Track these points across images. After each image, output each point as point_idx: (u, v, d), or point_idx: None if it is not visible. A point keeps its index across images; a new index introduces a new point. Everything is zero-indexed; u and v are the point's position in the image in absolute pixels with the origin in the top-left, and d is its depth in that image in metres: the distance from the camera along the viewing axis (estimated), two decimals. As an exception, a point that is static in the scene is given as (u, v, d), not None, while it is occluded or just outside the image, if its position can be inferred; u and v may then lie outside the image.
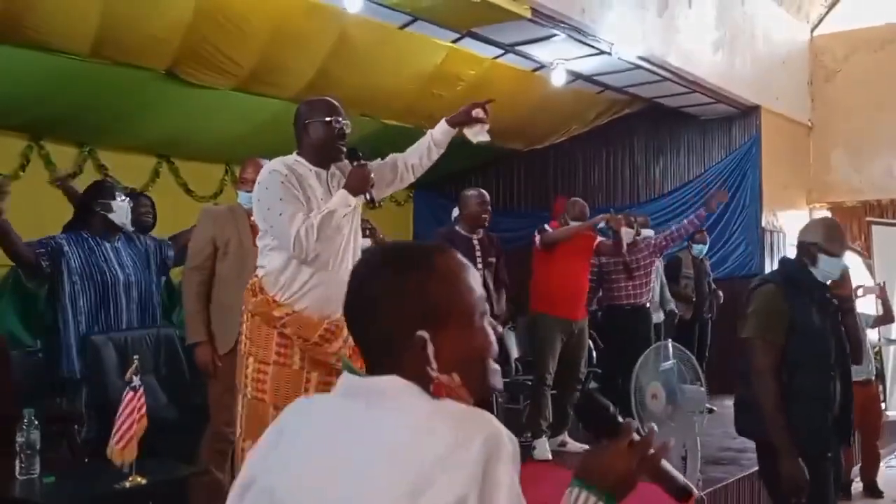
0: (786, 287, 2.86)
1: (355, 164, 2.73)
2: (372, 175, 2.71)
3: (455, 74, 6.44)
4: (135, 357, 2.67)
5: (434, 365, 1.02)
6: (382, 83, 6.20)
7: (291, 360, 2.70)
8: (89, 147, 6.06)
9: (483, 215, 4.72)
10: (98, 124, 5.77)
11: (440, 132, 2.92)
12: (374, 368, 1.06)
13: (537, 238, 5.10)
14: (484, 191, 4.88)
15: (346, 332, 2.65)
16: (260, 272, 2.81)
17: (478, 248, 4.72)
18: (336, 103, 2.86)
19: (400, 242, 1.17)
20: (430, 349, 1.02)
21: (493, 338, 1.10)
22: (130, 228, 4.07)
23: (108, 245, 3.94)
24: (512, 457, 0.97)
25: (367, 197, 2.72)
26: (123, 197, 4.01)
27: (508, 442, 0.98)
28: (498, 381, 1.11)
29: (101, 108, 5.51)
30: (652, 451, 1.11)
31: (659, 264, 6.57)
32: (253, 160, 3.64)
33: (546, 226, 5.24)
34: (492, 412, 4.16)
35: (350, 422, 1.00)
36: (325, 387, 2.67)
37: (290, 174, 2.72)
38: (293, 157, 2.83)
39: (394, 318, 1.04)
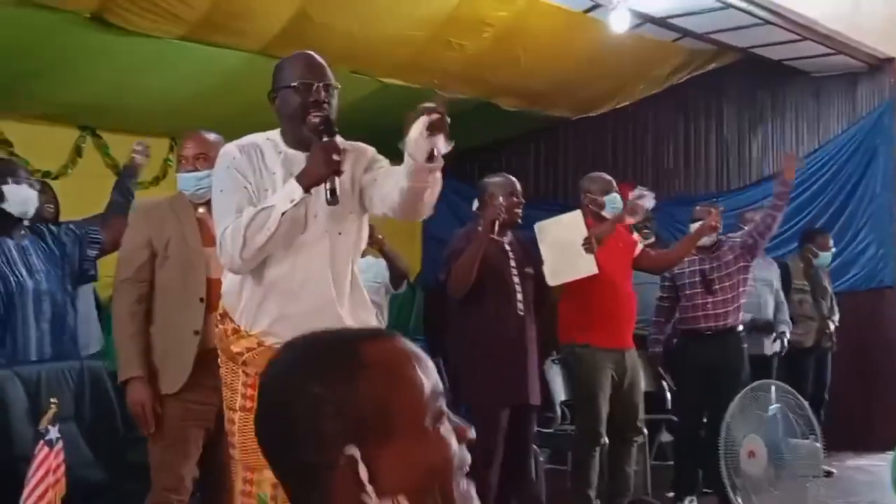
0: None
1: (323, 140, 2.73)
2: (336, 157, 2.69)
3: (478, 17, 6.45)
4: (52, 401, 2.70)
5: (370, 489, 1.02)
6: (381, 30, 6.22)
7: None
8: (-11, 116, 6.13)
9: (514, 209, 4.73)
10: (1, 87, 5.83)
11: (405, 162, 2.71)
12: (298, 500, 1.08)
13: None
14: (511, 177, 4.88)
15: None
16: (223, 288, 2.90)
17: (510, 253, 4.73)
18: (316, 60, 2.88)
19: (318, 333, 1.16)
20: (363, 472, 1.02)
21: (455, 448, 1.09)
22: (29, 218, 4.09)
23: (10, 242, 3.97)
24: None
25: (327, 187, 2.70)
26: (24, 179, 4.01)
27: None
28: None
29: (5, 64, 5.56)
30: None
31: (774, 277, 6.57)
32: (194, 134, 3.70)
33: None
34: (528, 475, 4.13)
35: None
36: None
37: (244, 157, 2.78)
38: (266, 135, 2.87)
39: (314, 442, 1.05)
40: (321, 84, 2.81)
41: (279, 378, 1.10)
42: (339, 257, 2.85)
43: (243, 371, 2.77)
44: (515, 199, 4.74)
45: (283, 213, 2.67)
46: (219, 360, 2.93)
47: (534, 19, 6.64)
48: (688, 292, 5.76)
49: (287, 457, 1.07)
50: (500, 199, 4.66)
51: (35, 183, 4.10)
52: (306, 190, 2.69)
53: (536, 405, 4.80)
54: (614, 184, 5.30)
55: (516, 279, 4.69)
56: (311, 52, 2.92)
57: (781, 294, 6.69)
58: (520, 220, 4.83)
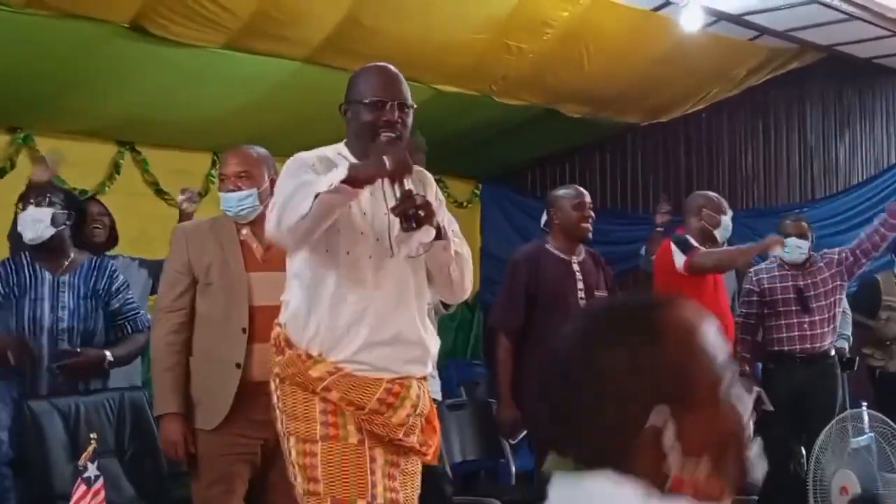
0: None
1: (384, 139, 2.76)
2: (407, 157, 2.69)
3: (539, 18, 6.44)
4: (91, 436, 2.71)
5: (672, 459, 1.09)
6: (435, 34, 6.22)
7: (345, 431, 2.77)
8: (25, 133, 6.23)
9: (583, 224, 4.69)
10: (37, 101, 5.92)
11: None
12: (584, 461, 1.13)
13: (678, 258, 4.98)
14: (582, 189, 4.84)
15: (414, 394, 2.80)
16: (283, 315, 2.87)
17: (579, 274, 4.67)
18: (391, 75, 2.90)
19: (605, 303, 1.27)
20: (669, 437, 1.09)
21: (747, 413, 1.16)
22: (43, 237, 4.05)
23: (48, 276, 4.01)
24: None
25: (396, 193, 2.70)
26: (31, 202, 4.01)
27: None
28: (758, 474, 1.18)
29: (41, 78, 5.65)
30: None
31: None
32: (236, 150, 3.68)
33: (688, 237, 5.11)
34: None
35: None
36: (392, 469, 2.81)
37: (320, 165, 2.77)
38: (335, 149, 2.88)
39: (617, 404, 1.11)
40: (395, 103, 2.82)
41: (578, 347, 1.16)
42: (421, 280, 2.90)
43: (321, 398, 2.77)
44: (584, 213, 4.70)
45: (317, 195, 2.59)
46: (276, 388, 2.89)
47: (598, 19, 6.60)
48: (780, 310, 5.64)
49: (587, 417, 1.13)
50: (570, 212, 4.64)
51: (43, 200, 4.01)
52: (353, 181, 2.62)
53: None
54: (725, 205, 5.35)
55: (583, 304, 4.58)
56: (388, 66, 2.93)
57: (845, 302, 6.51)
58: (590, 236, 4.79)
